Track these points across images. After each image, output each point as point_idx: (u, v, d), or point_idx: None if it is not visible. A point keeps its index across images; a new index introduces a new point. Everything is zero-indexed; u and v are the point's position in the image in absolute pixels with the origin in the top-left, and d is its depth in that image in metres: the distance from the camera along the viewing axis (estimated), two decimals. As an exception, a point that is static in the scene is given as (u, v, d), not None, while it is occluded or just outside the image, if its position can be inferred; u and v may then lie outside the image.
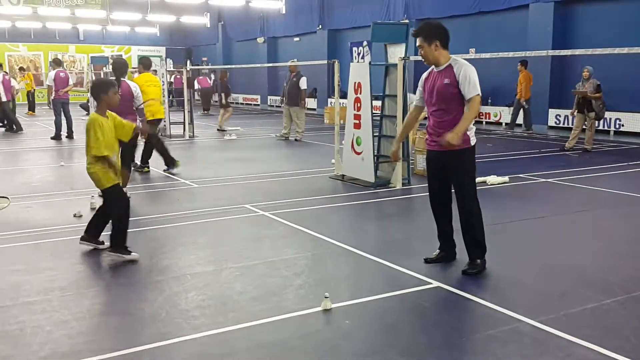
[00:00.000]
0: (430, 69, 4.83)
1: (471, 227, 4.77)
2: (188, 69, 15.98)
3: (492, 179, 8.52)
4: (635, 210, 7.07)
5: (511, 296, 4.24)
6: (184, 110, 15.40)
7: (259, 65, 23.48)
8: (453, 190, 4.88)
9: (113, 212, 5.18)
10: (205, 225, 6.34)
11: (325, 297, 3.99)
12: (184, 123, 15.36)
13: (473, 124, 4.70)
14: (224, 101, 17.14)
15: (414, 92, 5.28)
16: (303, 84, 14.24)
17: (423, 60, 4.75)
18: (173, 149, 13.19)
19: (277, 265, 4.95)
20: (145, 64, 9.94)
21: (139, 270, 4.92)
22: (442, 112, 4.65)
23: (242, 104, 30.26)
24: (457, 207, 4.80)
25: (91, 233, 5.42)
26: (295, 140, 14.26)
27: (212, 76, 27.67)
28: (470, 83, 4.52)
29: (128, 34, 34.31)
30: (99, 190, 6.50)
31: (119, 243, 5.08)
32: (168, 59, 17.73)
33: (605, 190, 8.06)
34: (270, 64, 24.74)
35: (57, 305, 4.12)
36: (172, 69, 17.05)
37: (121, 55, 30.16)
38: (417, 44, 4.71)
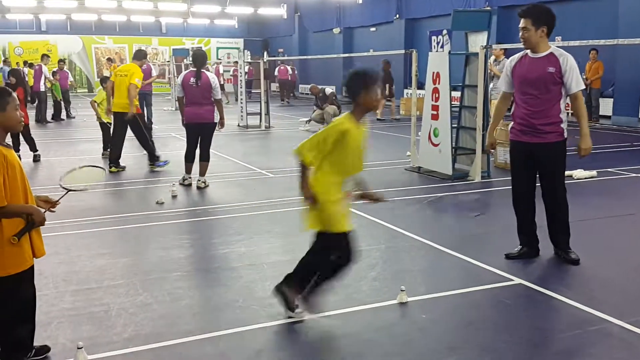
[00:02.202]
0: (521, 55, 4.64)
1: (561, 221, 4.68)
2: (265, 60, 16.19)
3: (579, 173, 8.10)
4: None
5: (599, 296, 4.01)
6: (260, 101, 15.63)
7: (334, 55, 23.42)
8: (539, 184, 4.69)
9: (316, 260, 3.68)
10: (280, 214, 6.40)
11: (401, 290, 3.93)
12: (260, 114, 15.59)
13: (566, 117, 4.53)
14: (387, 92, 17.36)
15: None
16: (327, 91, 15.73)
17: (522, 42, 4.54)
18: (249, 139, 13.47)
19: (352, 257, 4.92)
20: (136, 55, 9.69)
21: (216, 257, 5.03)
22: (539, 101, 4.49)
23: (317, 95, 30.40)
24: (546, 200, 4.66)
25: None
26: None
27: (291, 67, 27.78)
28: (577, 76, 4.46)
29: (207, 27, 35.19)
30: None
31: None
32: (246, 51, 18.01)
33: None
34: (346, 55, 24.66)
35: (140, 289, 4.28)
36: (249, 60, 17.30)
37: (201, 48, 31.02)
38: (522, 25, 4.48)
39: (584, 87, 4.50)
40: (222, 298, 4.12)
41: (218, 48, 36.26)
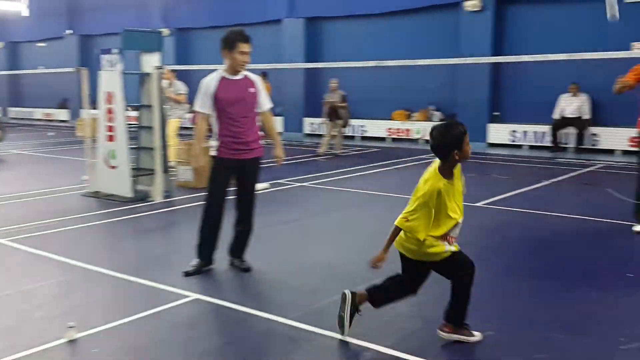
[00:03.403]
0: (218, 77, 4.79)
1: (248, 232, 5.07)
2: None
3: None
4: (378, 207, 7.86)
5: (266, 298, 4.39)
6: None
7: (-3, 73, 20.96)
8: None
9: (464, 280, 3.57)
10: None
11: (70, 327, 3.64)
12: None
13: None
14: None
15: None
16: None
17: (242, 65, 4.77)
18: None
19: (13, 299, 4.39)
20: None
21: None
22: (247, 119, 4.82)
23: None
24: (243, 212, 5.00)
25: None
26: None
27: None
28: (266, 95, 4.97)
29: None
30: None
31: (461, 318, 3.63)
32: None
33: (352, 191, 8.84)
34: (11, 72, 22.24)
35: None
36: None
37: None
38: (248, 50, 4.73)
39: (272, 105, 5.08)
40: None
41: None
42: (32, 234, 6.23)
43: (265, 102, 4.98)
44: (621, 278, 4.86)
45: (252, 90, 4.85)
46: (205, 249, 5.01)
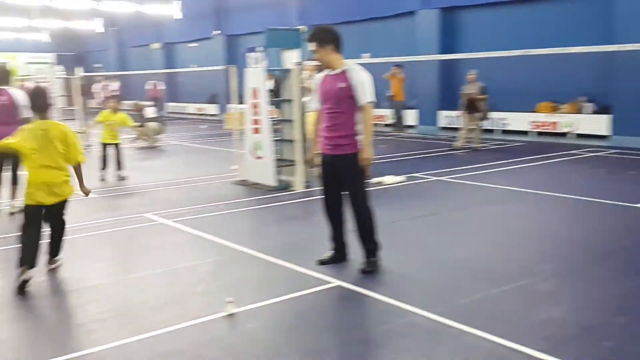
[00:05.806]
0: (324, 73, 4.96)
1: (363, 227, 4.93)
2: (80, 75, 15.28)
3: (389, 179, 8.85)
4: (521, 205, 7.55)
5: (407, 291, 4.44)
6: (77, 119, 14.69)
7: (155, 71, 22.92)
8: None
9: None
10: (103, 236, 6.14)
11: (229, 302, 4.01)
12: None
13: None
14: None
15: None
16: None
17: (319, 64, 4.91)
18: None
19: (178, 273, 4.90)
20: None
21: (35, 284, 4.67)
22: (336, 114, 4.79)
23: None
24: (351, 208, 4.94)
25: None
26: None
27: (112, 83, 25.95)
28: (364, 89, 4.72)
29: (14, 41, 32.24)
30: None
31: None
32: (58, 66, 16.80)
33: (493, 186, 8.59)
34: (168, 70, 24.22)
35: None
36: (64, 75, 16.15)
37: (4, 64, 28.13)
38: (312, 49, 4.83)
39: (372, 99, 4.79)
40: (42, 328, 3.87)
41: (27, 63, 33.31)
42: (191, 217, 6.87)
43: (358, 97, 4.70)
44: None
45: (342, 85, 4.72)
46: (332, 239, 5.12)
